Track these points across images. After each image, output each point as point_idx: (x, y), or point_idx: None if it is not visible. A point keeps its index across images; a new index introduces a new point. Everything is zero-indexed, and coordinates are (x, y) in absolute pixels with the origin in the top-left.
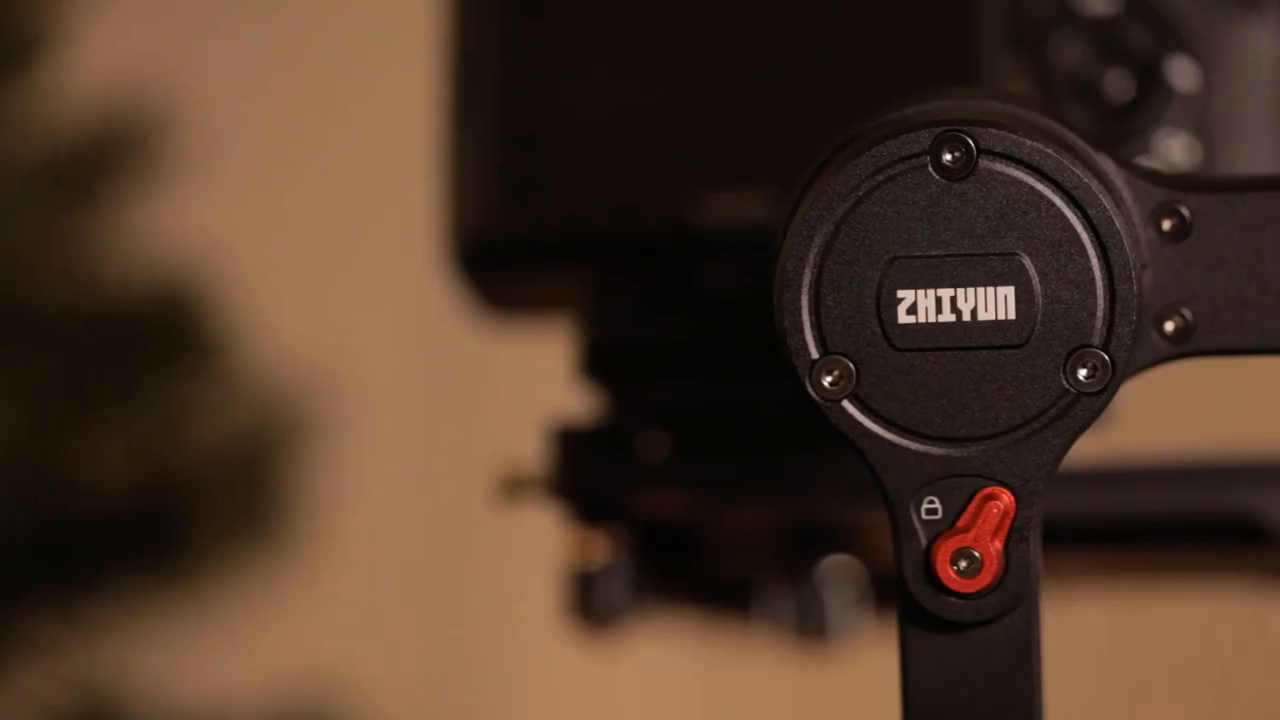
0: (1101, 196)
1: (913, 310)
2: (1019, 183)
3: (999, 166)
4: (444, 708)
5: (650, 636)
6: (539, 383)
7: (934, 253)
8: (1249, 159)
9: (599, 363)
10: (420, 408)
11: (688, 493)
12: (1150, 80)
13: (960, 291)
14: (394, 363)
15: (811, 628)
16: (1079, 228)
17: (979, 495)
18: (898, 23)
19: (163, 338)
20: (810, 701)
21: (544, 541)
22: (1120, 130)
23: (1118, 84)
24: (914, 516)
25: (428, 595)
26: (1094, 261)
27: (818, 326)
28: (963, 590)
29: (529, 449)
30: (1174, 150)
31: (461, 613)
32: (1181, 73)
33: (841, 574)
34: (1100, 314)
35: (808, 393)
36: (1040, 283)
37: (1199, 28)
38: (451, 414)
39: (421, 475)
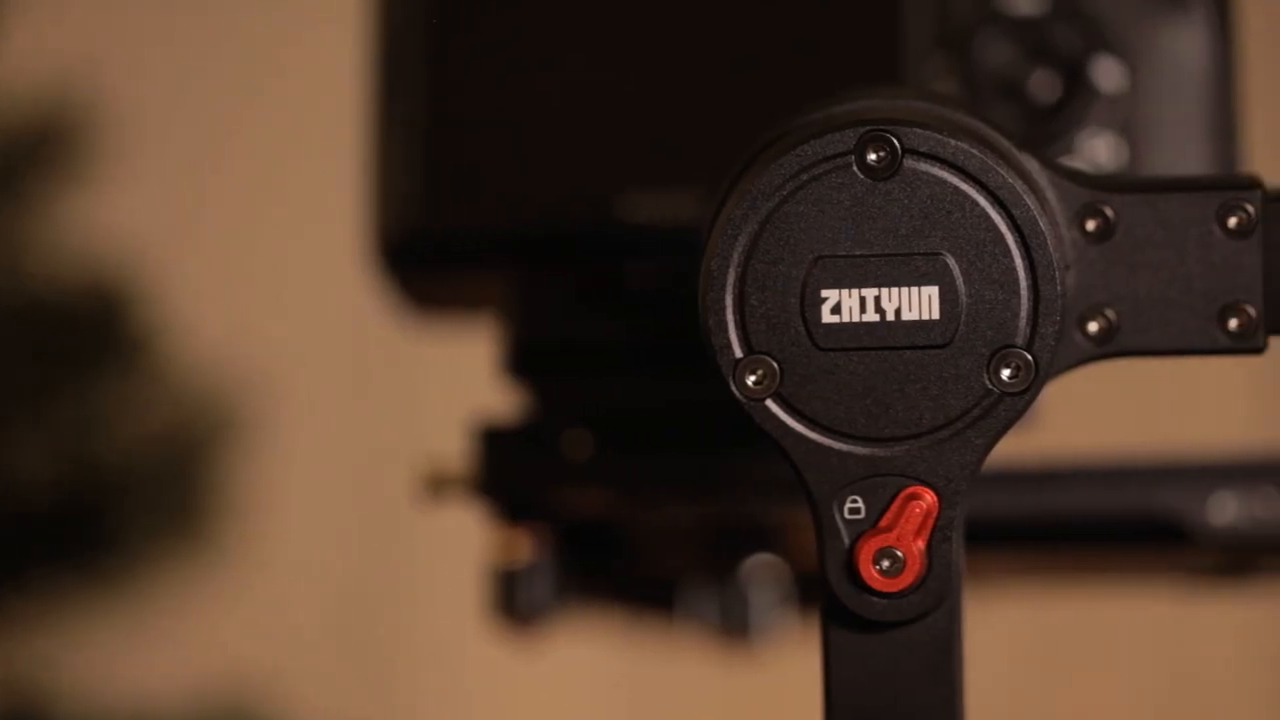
0: (1026, 197)
1: (837, 310)
2: (943, 183)
3: (923, 166)
4: (369, 706)
5: (574, 635)
6: (465, 381)
7: (858, 252)
8: (1174, 160)
9: (523, 361)
10: (347, 405)
11: (611, 491)
12: (1076, 81)
13: (884, 291)
14: (321, 360)
15: (735, 627)
16: (1003, 228)
17: (902, 495)
18: (824, 22)
19: (90, 334)
20: (734, 700)
21: (469, 540)
22: (1045, 130)
23: (1043, 84)
24: (837, 516)
25: (352, 594)
26: (1018, 262)
27: (742, 326)
28: (885, 590)
29: (454, 447)
30: (1099, 151)
31: (386, 611)
32: (1107, 73)
33: (765, 573)
34: (1024, 314)
35: (732, 392)
36: (964, 283)
37: (1125, 28)
38: (378, 412)
39: (347, 473)
